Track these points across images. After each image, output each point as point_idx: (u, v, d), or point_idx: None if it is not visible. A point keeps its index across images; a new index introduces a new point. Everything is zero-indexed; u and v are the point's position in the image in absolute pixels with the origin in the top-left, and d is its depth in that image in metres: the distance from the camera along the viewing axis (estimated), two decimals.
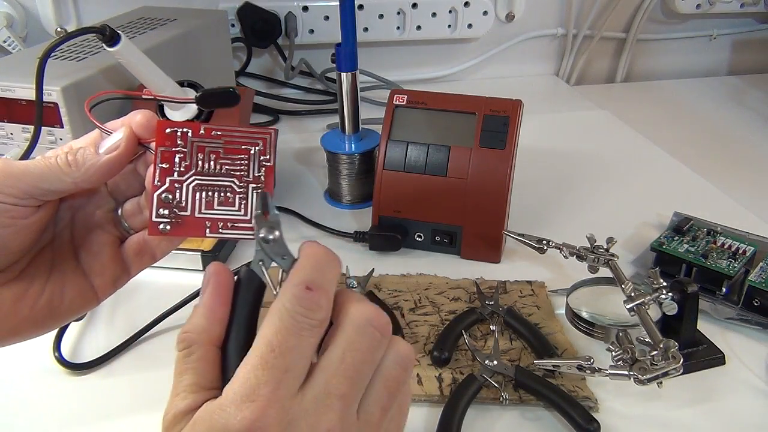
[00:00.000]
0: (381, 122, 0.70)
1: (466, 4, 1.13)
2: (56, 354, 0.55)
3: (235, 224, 0.36)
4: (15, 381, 0.54)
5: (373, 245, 0.70)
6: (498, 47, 1.22)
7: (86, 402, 0.52)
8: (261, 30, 1.09)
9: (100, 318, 0.61)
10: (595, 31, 1.22)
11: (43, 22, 1.03)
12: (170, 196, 0.34)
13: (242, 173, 0.35)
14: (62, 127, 0.64)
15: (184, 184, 0.35)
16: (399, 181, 0.69)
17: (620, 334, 0.52)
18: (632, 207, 0.79)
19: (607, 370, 0.49)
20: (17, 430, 0.50)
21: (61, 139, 0.65)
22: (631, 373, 0.48)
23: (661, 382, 0.48)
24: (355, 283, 0.62)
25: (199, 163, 0.35)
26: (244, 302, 0.31)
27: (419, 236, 0.70)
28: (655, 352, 0.48)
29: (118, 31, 0.60)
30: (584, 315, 0.57)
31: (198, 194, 0.35)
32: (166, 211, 0.34)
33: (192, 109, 0.68)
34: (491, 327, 0.58)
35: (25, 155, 0.62)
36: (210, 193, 0.35)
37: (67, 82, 0.63)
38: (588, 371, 0.49)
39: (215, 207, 0.35)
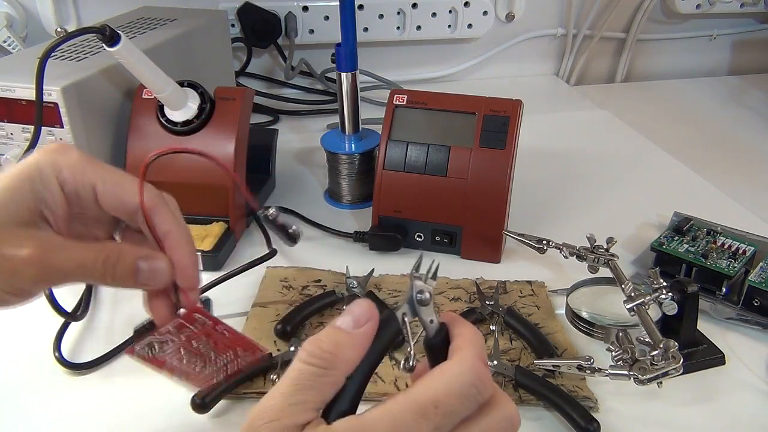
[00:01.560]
0: (381, 122, 0.70)
1: (466, 4, 1.13)
2: (56, 354, 0.55)
3: (189, 376, 0.40)
4: (15, 381, 0.54)
5: (373, 245, 0.70)
6: (498, 47, 1.22)
7: (86, 402, 0.52)
8: (261, 30, 1.09)
9: (100, 318, 0.61)
10: (595, 31, 1.22)
11: (43, 22, 1.03)
12: (156, 346, 0.39)
13: (222, 358, 0.40)
14: (62, 127, 0.64)
15: (175, 344, 0.39)
16: (399, 181, 0.69)
17: (620, 334, 0.52)
18: (632, 207, 0.79)
19: (607, 370, 0.49)
20: (17, 430, 0.50)
21: (61, 139, 0.65)
22: (631, 373, 0.48)
23: (661, 382, 0.48)
24: (355, 283, 0.62)
25: (195, 344, 0.40)
26: (381, 344, 0.32)
27: (419, 236, 0.70)
28: (655, 352, 0.48)
29: (118, 31, 0.60)
30: (584, 315, 0.57)
31: (178, 354, 0.40)
32: (147, 350, 0.39)
33: (192, 110, 0.68)
34: (491, 327, 0.58)
35: (25, 155, 0.62)
36: (186, 357, 0.40)
37: (67, 82, 0.63)
38: (588, 371, 0.49)
39: (183, 362, 0.40)
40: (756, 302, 0.59)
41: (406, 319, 0.33)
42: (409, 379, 0.34)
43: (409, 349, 0.33)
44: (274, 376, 0.52)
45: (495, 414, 0.31)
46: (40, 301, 0.59)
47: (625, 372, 0.48)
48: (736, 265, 0.61)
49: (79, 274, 0.36)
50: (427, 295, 0.33)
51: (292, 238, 0.47)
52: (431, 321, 0.33)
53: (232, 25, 1.09)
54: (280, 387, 0.30)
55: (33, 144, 0.62)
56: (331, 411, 0.30)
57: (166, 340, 0.39)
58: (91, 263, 0.36)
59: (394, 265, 0.67)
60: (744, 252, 0.63)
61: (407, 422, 0.29)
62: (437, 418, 0.29)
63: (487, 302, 0.60)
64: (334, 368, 0.30)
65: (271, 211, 0.46)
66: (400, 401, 0.29)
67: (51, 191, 0.37)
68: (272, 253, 0.66)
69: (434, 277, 0.34)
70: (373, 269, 0.65)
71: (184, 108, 0.68)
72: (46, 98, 0.62)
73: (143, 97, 0.70)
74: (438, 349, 0.33)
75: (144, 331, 0.40)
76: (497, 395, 0.32)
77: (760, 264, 0.61)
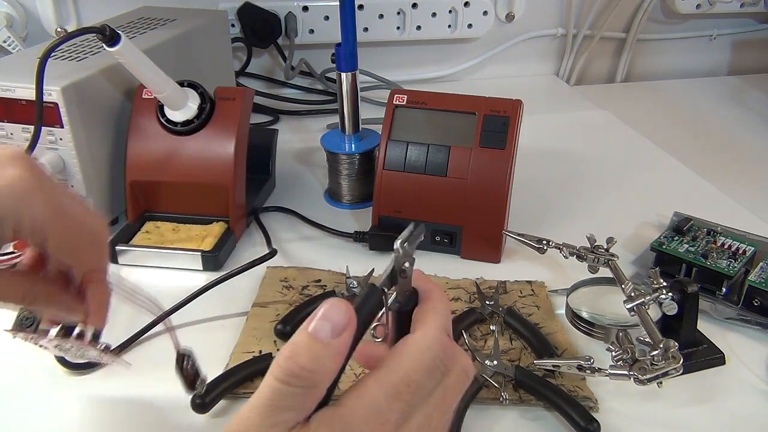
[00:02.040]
0: (381, 122, 0.70)
1: (466, 4, 1.13)
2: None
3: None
4: (15, 381, 0.54)
5: (373, 245, 0.70)
6: (498, 47, 1.22)
7: (86, 402, 0.52)
8: (261, 30, 1.09)
9: None
10: (595, 31, 1.22)
11: (43, 22, 1.03)
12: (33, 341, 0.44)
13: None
14: (62, 127, 0.64)
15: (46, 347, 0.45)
16: (399, 181, 0.69)
17: (620, 334, 0.52)
18: (632, 207, 0.79)
19: (607, 370, 0.49)
20: (18, 430, 0.50)
21: (61, 139, 0.65)
22: (631, 373, 0.48)
23: (661, 382, 0.48)
24: (355, 282, 0.62)
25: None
26: (362, 322, 0.30)
27: None
28: (655, 352, 0.48)
29: (118, 31, 0.60)
30: (584, 315, 0.57)
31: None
32: (22, 337, 0.44)
33: (192, 110, 0.68)
34: (491, 327, 0.58)
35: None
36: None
37: (67, 82, 0.63)
38: (588, 371, 0.49)
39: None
40: (756, 302, 0.59)
41: (385, 289, 0.32)
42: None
43: (385, 321, 0.32)
44: None
45: (453, 372, 0.31)
46: None
47: (625, 372, 0.48)
48: (736, 265, 0.61)
49: (3, 302, 0.39)
50: (407, 264, 0.32)
51: (192, 387, 0.47)
52: (407, 291, 0.32)
53: (232, 25, 1.09)
54: (255, 408, 0.28)
55: (33, 144, 0.62)
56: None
57: (44, 345, 0.44)
58: (18, 299, 0.39)
59: None
60: (744, 252, 0.63)
61: (381, 405, 0.29)
62: (408, 396, 0.29)
63: (487, 302, 0.60)
64: (317, 386, 0.28)
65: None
66: (371, 385, 0.29)
67: (3, 235, 0.37)
68: (272, 253, 0.66)
69: (407, 242, 0.32)
70: (373, 269, 0.65)
71: (184, 108, 0.68)
72: (46, 98, 0.62)
73: (143, 97, 0.70)
74: (405, 313, 0.32)
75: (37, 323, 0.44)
76: (454, 353, 0.32)
77: (760, 264, 0.61)
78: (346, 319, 0.29)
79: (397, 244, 0.31)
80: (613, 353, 0.49)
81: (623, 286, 0.55)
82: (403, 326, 0.32)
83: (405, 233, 0.32)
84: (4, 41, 0.99)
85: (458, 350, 0.32)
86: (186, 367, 0.42)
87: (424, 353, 0.30)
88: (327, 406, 0.29)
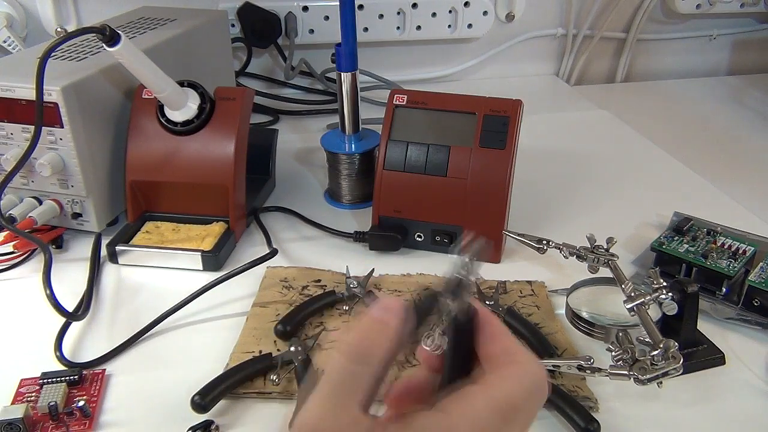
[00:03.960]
0: (381, 122, 0.70)
1: (466, 4, 1.13)
2: (58, 353, 0.55)
3: None
4: (16, 381, 0.54)
5: (373, 245, 0.70)
6: (498, 47, 1.22)
7: None
8: (261, 30, 1.09)
9: (101, 318, 0.61)
10: (595, 31, 1.22)
11: (43, 22, 1.03)
12: None
13: None
14: (62, 127, 0.64)
15: None
16: (399, 181, 0.69)
17: (620, 334, 0.52)
18: (632, 207, 0.79)
19: (607, 370, 0.49)
20: None
21: (61, 139, 0.65)
22: (631, 373, 0.48)
23: (661, 382, 0.48)
24: (355, 283, 0.62)
25: None
26: (412, 319, 0.32)
27: (419, 236, 0.70)
28: (655, 352, 0.48)
29: (118, 31, 0.60)
30: (584, 315, 0.57)
31: None
32: None
33: (192, 110, 0.68)
34: None
35: (25, 155, 0.62)
36: None
37: (67, 82, 0.63)
38: (588, 371, 0.49)
39: None
40: (756, 302, 0.59)
41: (447, 300, 0.32)
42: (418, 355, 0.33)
43: (440, 328, 0.32)
44: (274, 377, 0.52)
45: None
46: (42, 301, 0.59)
47: (625, 372, 0.48)
48: (736, 265, 0.61)
49: None
50: (471, 279, 0.32)
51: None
52: (465, 310, 0.33)
53: (232, 25, 1.09)
54: (318, 397, 0.28)
55: (33, 144, 0.62)
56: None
57: None
58: None
59: (394, 265, 0.67)
60: (744, 252, 0.63)
61: (484, 421, 0.28)
62: (510, 415, 0.29)
63: (487, 302, 0.60)
64: (367, 361, 0.29)
65: None
66: (479, 398, 0.29)
67: None
68: (272, 253, 0.66)
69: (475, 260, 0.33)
70: (373, 269, 0.65)
71: (184, 108, 0.68)
72: (46, 98, 0.62)
73: (143, 97, 0.70)
74: (462, 332, 0.32)
75: None
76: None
77: (760, 264, 0.61)
78: (395, 302, 0.31)
79: (459, 254, 0.31)
80: (613, 353, 0.49)
81: (623, 286, 0.55)
82: (459, 346, 0.31)
83: (459, 243, 0.32)
84: (4, 41, 0.99)
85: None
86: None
87: (528, 377, 0.30)
88: (429, 410, 0.29)
